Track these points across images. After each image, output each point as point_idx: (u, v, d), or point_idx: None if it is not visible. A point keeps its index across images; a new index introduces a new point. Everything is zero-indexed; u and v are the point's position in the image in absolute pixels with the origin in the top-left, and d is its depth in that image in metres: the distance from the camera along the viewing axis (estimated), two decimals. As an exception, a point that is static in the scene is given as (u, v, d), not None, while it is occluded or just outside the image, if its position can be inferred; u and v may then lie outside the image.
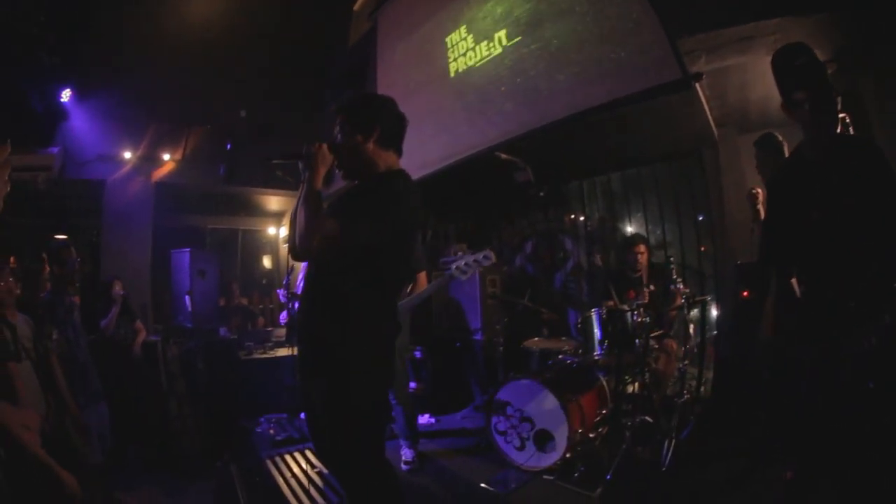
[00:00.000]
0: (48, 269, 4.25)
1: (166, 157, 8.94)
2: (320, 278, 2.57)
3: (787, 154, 5.10)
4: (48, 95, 7.97)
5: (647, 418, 4.44)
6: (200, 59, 8.63)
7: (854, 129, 4.88)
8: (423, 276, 4.86)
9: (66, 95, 8.03)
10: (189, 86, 8.71)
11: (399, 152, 2.78)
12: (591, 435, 4.38)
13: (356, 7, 10.67)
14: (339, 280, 2.45)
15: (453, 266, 4.33)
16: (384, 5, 8.93)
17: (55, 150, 8.11)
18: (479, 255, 4.31)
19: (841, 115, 5.01)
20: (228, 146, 9.01)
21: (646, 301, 4.86)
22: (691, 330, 5.09)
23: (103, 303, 5.96)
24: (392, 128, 2.72)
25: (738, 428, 4.55)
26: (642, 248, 5.56)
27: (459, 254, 4.59)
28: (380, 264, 2.45)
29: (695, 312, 5.54)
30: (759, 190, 5.05)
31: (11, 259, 5.32)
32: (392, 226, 2.46)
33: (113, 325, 5.87)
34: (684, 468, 4.00)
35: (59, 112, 8.20)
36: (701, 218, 6.60)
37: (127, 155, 8.67)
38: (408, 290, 4.69)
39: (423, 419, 6.00)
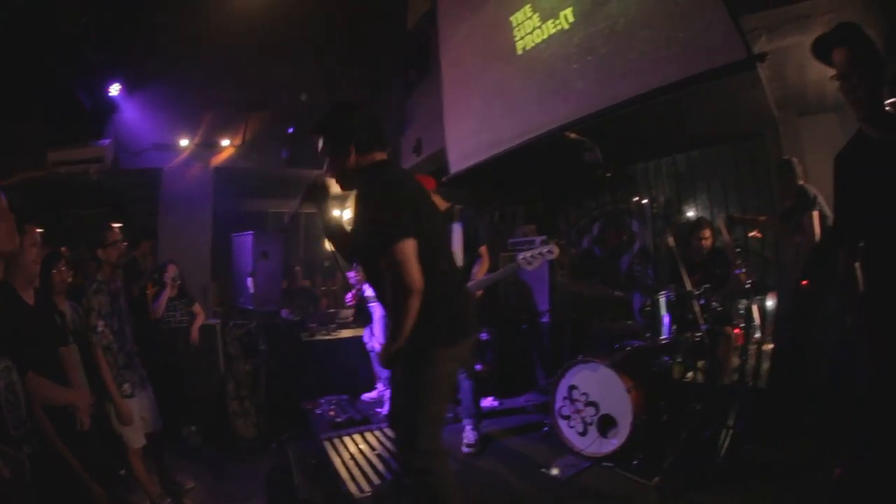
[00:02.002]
0: (95, 255, 4.30)
1: (225, 142, 9.04)
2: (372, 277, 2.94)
3: (800, 177, 5.06)
4: (96, 92, 8.13)
5: (707, 407, 4.38)
6: (255, 45, 8.67)
7: None
8: (484, 250, 4.93)
9: (115, 89, 8.15)
10: (244, 72, 8.82)
11: (382, 147, 2.89)
12: (652, 422, 4.34)
13: (413, -12, 10.61)
14: (381, 275, 2.62)
15: (520, 257, 4.39)
16: None
17: (106, 141, 8.27)
18: (545, 249, 4.35)
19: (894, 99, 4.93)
20: (291, 130, 9.07)
21: (712, 285, 4.80)
22: (756, 318, 4.95)
23: (158, 287, 6.05)
24: (366, 136, 2.83)
25: (794, 419, 4.51)
26: (707, 232, 5.51)
27: (528, 237, 4.63)
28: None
29: (758, 299, 5.45)
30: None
31: (63, 249, 5.44)
32: (380, 207, 2.60)
33: (162, 308, 5.92)
34: (740, 460, 3.96)
35: (109, 106, 8.36)
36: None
37: (184, 143, 8.79)
38: (473, 268, 4.84)
39: (487, 402, 6.00)
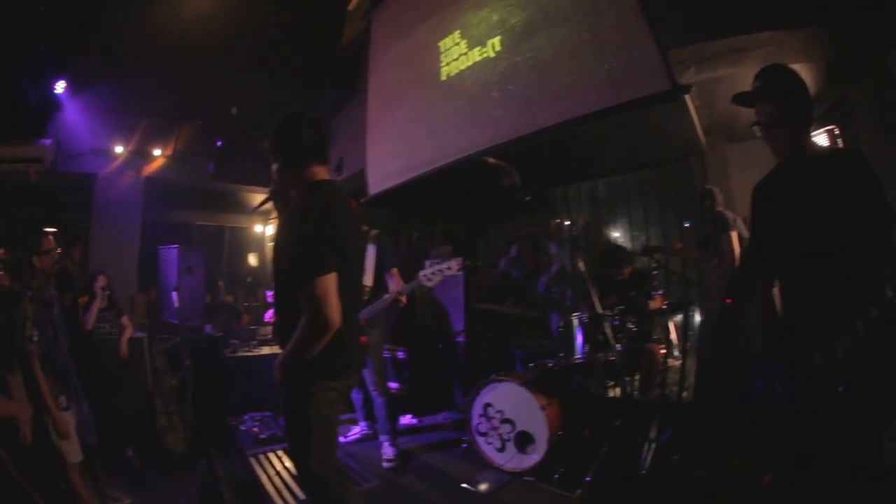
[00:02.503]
0: (31, 262, 4.23)
1: (157, 152, 8.93)
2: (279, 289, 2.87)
3: (719, 204, 5.27)
4: (43, 86, 7.91)
5: (628, 422, 4.50)
6: (194, 56, 8.64)
7: (843, 139, 4.96)
8: (395, 271, 5.07)
9: (60, 87, 7.97)
10: (182, 82, 8.73)
11: (323, 161, 2.86)
12: (571, 437, 4.44)
13: (350, 7, 10.68)
14: (291, 291, 2.58)
15: (421, 273, 4.49)
16: (379, 6, 8.90)
17: (48, 141, 8.06)
18: (444, 265, 4.42)
19: (829, 127, 5.13)
20: (219, 143, 8.99)
21: (626, 307, 4.93)
22: (674, 336, 5.14)
23: (89, 297, 5.89)
24: (306, 150, 2.78)
25: (718, 432, 4.66)
26: (627, 270, 5.69)
27: (445, 258, 4.74)
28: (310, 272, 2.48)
29: (678, 318, 5.62)
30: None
31: (2, 251, 5.29)
32: (304, 236, 2.55)
33: (93, 319, 5.79)
34: (664, 471, 4.07)
35: (54, 103, 8.13)
36: (686, 225, 6.68)
37: (118, 149, 8.63)
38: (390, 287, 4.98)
39: (406, 419, 6.07)
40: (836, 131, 5.11)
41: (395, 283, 5.01)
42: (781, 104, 2.39)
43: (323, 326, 2.44)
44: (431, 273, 4.44)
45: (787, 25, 4.51)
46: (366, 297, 4.88)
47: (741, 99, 2.55)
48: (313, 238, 2.52)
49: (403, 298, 4.83)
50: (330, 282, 2.46)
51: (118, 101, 8.46)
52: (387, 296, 4.87)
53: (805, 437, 2.36)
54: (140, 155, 8.82)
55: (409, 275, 4.84)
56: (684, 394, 5.44)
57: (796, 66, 4.39)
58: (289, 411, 2.70)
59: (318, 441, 2.63)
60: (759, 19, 4.55)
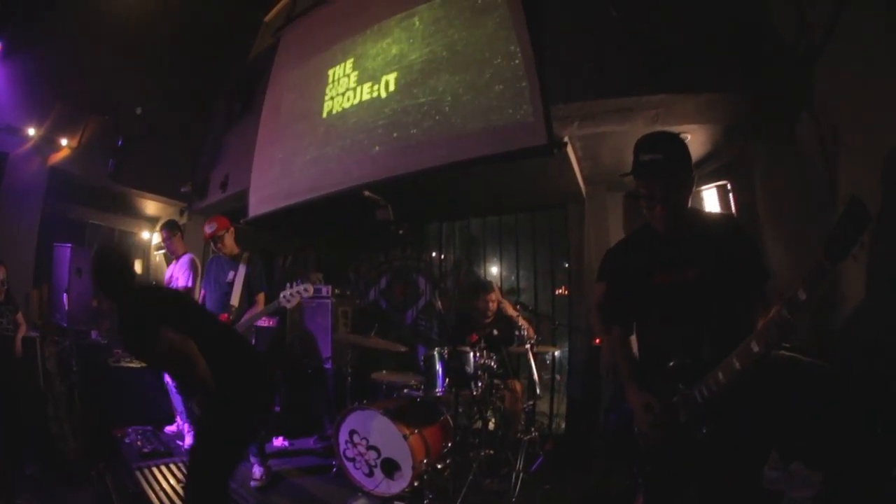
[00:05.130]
0: None
1: (64, 142, 8.66)
2: None
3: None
4: None
5: (494, 452, 4.83)
6: (113, 41, 8.48)
7: (735, 195, 5.24)
8: (261, 297, 5.45)
9: None
10: (99, 70, 8.53)
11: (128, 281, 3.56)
12: (438, 465, 4.65)
13: (267, 17, 10.59)
14: None
15: (280, 295, 4.76)
16: (291, 24, 8.77)
17: None
18: (301, 287, 4.73)
19: (721, 183, 5.38)
20: (119, 142, 8.83)
21: (486, 345, 5.19)
22: (534, 373, 5.47)
23: None
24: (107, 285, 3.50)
25: (586, 462, 4.96)
26: (492, 296, 5.92)
27: (315, 284, 5.07)
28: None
29: (547, 355, 5.96)
30: None
31: None
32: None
33: None
34: (531, 499, 4.39)
35: None
36: (567, 265, 7.01)
37: (31, 131, 8.26)
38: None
39: (278, 441, 6.20)
40: (728, 187, 5.35)
41: (255, 308, 5.31)
42: (667, 182, 2.44)
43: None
44: (290, 294, 4.73)
45: (683, 91, 4.60)
46: (232, 317, 5.21)
47: (626, 174, 2.57)
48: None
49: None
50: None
51: (40, 78, 8.01)
52: (240, 322, 5.13)
53: (670, 470, 2.47)
54: (49, 142, 8.43)
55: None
56: (554, 426, 5.87)
57: (689, 127, 4.72)
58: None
59: None
60: (650, 83, 4.62)
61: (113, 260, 3.59)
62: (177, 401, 6.18)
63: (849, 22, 3.61)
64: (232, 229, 5.73)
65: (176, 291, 4.50)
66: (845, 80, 3.74)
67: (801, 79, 4.11)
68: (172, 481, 4.91)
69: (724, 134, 5.08)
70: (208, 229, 5.64)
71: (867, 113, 3.47)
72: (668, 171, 2.44)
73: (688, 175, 2.51)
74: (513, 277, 7.61)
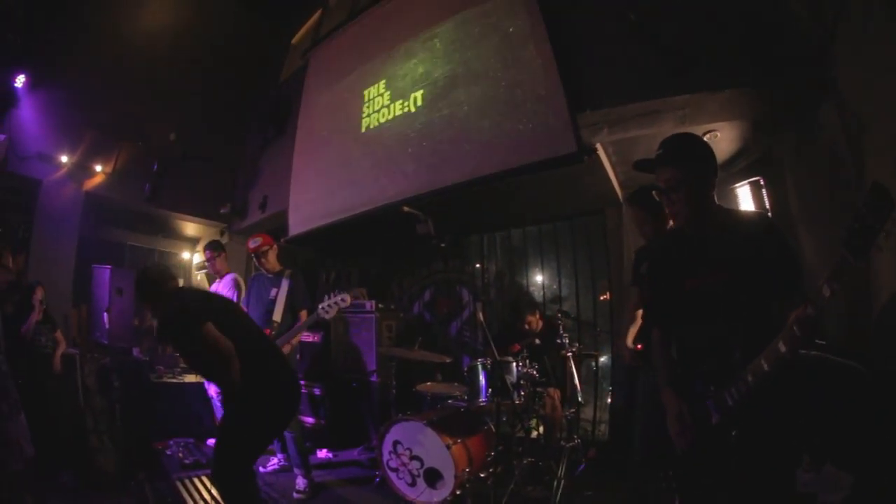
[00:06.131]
0: None
1: (98, 168, 8.82)
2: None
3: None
4: (4, 77, 7.60)
5: (536, 460, 4.83)
6: (144, 73, 8.73)
7: (768, 190, 5.14)
8: (304, 313, 5.56)
9: (20, 81, 7.67)
10: (130, 99, 8.73)
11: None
12: (480, 474, 4.64)
13: (295, 40, 10.80)
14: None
15: (319, 307, 4.90)
16: (318, 45, 9.00)
17: (2, 137, 7.70)
18: (338, 298, 4.89)
19: (754, 179, 5.30)
20: (155, 167, 9.00)
21: (528, 354, 5.22)
22: (577, 381, 5.43)
23: (26, 307, 5.82)
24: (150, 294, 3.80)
25: (628, 469, 4.81)
26: (532, 319, 6.02)
27: (358, 299, 5.13)
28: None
29: (591, 362, 5.95)
30: None
31: None
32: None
33: (31, 331, 5.77)
34: None
35: (12, 97, 7.77)
36: (608, 271, 6.90)
37: (64, 158, 8.40)
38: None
39: (322, 454, 6.24)
40: (762, 182, 5.24)
41: (298, 324, 5.42)
42: (678, 170, 2.47)
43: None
44: (328, 305, 4.87)
45: (705, 89, 4.52)
46: (274, 333, 5.30)
47: (642, 166, 2.66)
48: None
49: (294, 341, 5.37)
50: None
51: (70, 107, 8.22)
52: (282, 337, 5.22)
53: (705, 474, 2.43)
54: (82, 168, 8.62)
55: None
56: (597, 433, 5.84)
57: (717, 125, 4.70)
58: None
59: None
60: (673, 84, 4.58)
61: (158, 270, 3.96)
62: (219, 414, 6.20)
63: (866, 9, 3.56)
64: (275, 246, 5.86)
65: (228, 300, 4.53)
66: (868, 69, 3.67)
67: (821, 70, 4.08)
68: (214, 492, 4.89)
69: (752, 129, 5.03)
70: (252, 244, 5.78)
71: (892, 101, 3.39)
72: (681, 157, 2.50)
73: (698, 164, 2.52)
74: (555, 286, 7.53)
